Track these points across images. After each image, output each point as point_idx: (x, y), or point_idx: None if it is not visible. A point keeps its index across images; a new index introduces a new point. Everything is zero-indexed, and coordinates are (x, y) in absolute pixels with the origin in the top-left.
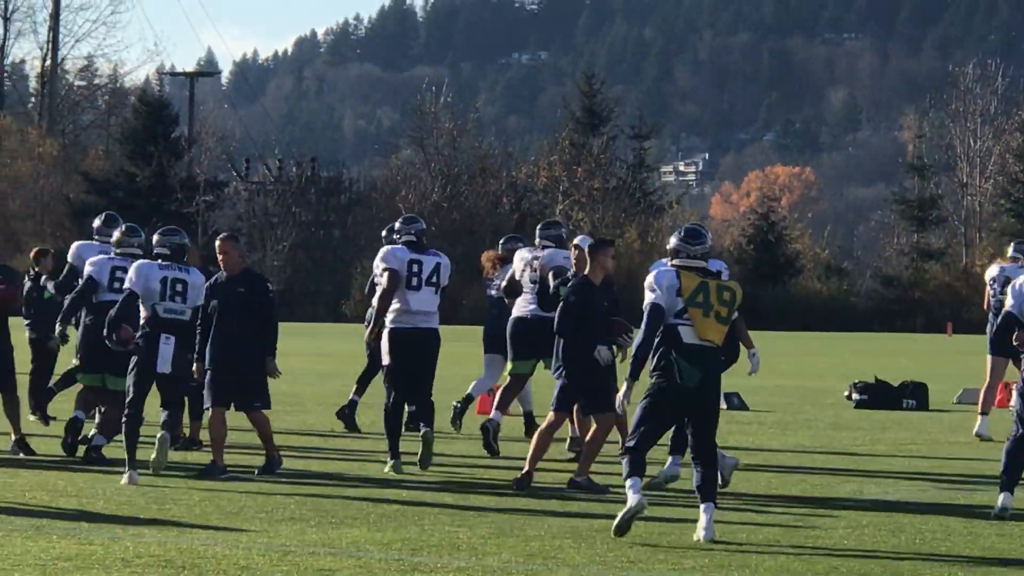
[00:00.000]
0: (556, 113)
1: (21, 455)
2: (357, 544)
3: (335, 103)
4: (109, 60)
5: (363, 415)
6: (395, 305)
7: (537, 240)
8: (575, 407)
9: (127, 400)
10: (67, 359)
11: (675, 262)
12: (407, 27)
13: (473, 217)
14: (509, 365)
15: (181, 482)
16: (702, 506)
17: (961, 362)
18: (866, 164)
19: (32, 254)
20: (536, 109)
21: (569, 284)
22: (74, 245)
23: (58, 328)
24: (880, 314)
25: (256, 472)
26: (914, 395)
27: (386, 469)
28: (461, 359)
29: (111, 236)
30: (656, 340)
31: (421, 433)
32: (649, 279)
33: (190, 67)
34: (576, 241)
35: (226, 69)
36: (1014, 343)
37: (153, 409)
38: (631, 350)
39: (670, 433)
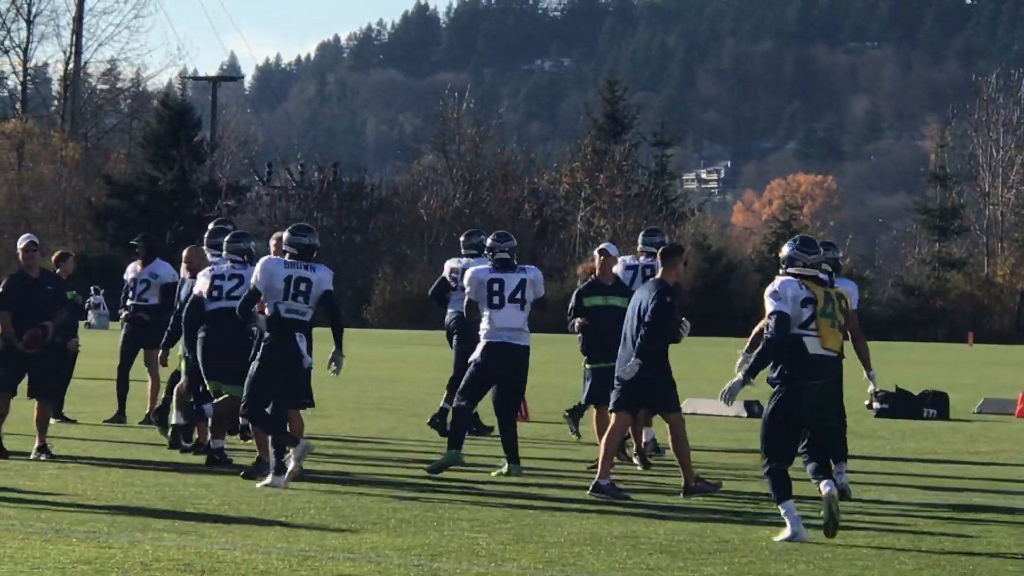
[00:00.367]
0: (578, 120)
1: (43, 458)
2: (376, 549)
3: (358, 108)
4: (132, 64)
5: (381, 420)
6: (483, 321)
7: (640, 247)
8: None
9: (247, 399)
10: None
11: (791, 270)
12: (430, 33)
13: (495, 223)
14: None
15: (201, 486)
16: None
17: (982, 372)
18: (888, 173)
19: (53, 257)
20: (558, 116)
21: (656, 290)
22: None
23: (162, 352)
24: (901, 323)
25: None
26: (935, 404)
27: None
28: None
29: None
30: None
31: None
32: (772, 287)
33: (213, 71)
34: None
35: (249, 74)
36: None
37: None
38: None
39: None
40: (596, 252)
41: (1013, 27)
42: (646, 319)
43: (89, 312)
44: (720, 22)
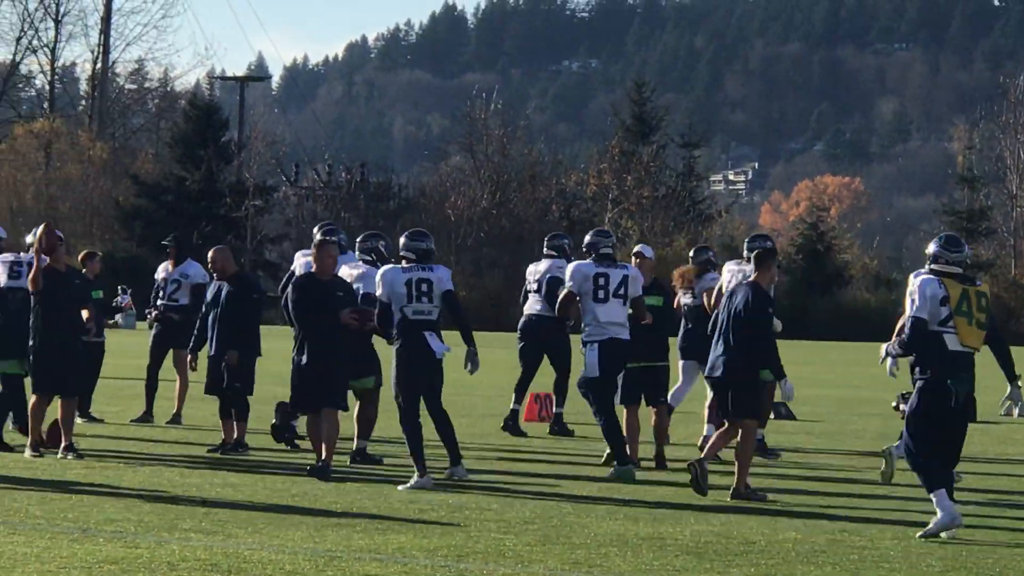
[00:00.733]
0: (606, 121)
1: (70, 457)
2: (403, 550)
3: (385, 109)
4: (160, 64)
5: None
6: (587, 318)
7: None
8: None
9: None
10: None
11: (934, 267)
12: (458, 33)
13: (522, 224)
14: None
15: (228, 486)
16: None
17: None
18: (916, 175)
19: (80, 257)
20: (586, 116)
21: (752, 292)
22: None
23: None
24: None
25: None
26: None
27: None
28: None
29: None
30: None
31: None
32: (912, 286)
33: (240, 71)
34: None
35: (276, 74)
36: None
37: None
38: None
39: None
40: (632, 255)
41: None
42: (744, 318)
43: (116, 312)
44: (748, 23)
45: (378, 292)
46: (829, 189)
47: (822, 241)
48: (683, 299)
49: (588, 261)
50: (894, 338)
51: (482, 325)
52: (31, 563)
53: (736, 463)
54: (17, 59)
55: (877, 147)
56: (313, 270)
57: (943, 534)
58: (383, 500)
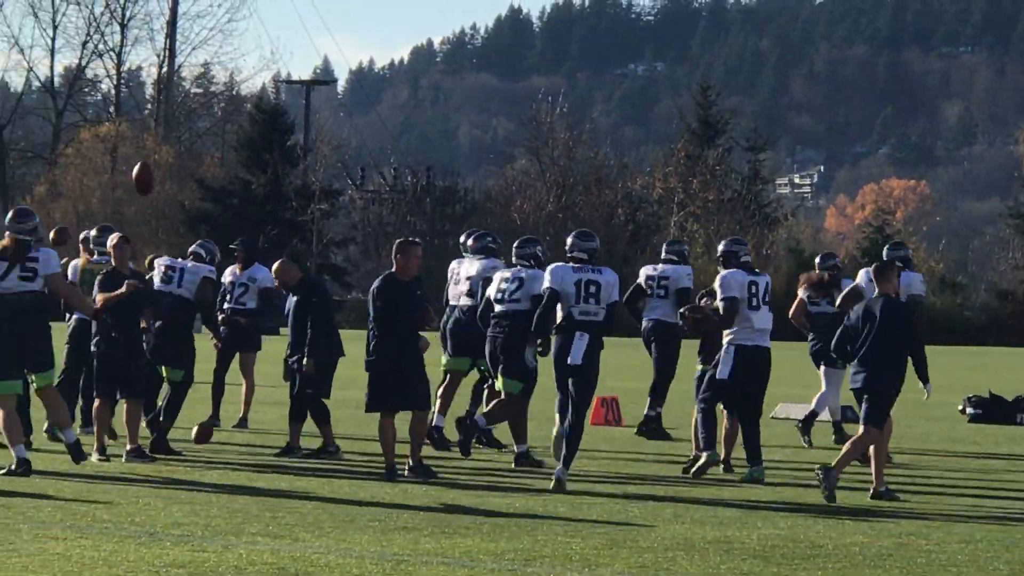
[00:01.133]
0: (671, 124)
1: (136, 460)
2: (470, 554)
3: (451, 112)
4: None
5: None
6: (738, 324)
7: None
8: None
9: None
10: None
11: None
12: (523, 37)
13: (588, 227)
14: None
15: (295, 490)
16: None
17: None
18: (981, 178)
19: (147, 261)
20: (651, 120)
21: (890, 304)
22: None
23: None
24: (994, 328)
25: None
26: None
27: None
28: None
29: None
30: None
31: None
32: None
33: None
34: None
35: (342, 77)
36: None
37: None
38: None
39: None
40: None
41: None
42: (890, 331)
43: None
44: (813, 26)
45: (544, 284)
46: (894, 192)
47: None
48: (812, 307)
49: (735, 269)
50: None
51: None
52: (99, 567)
53: (874, 464)
54: (83, 63)
55: (942, 150)
56: (394, 271)
57: None
58: (450, 503)
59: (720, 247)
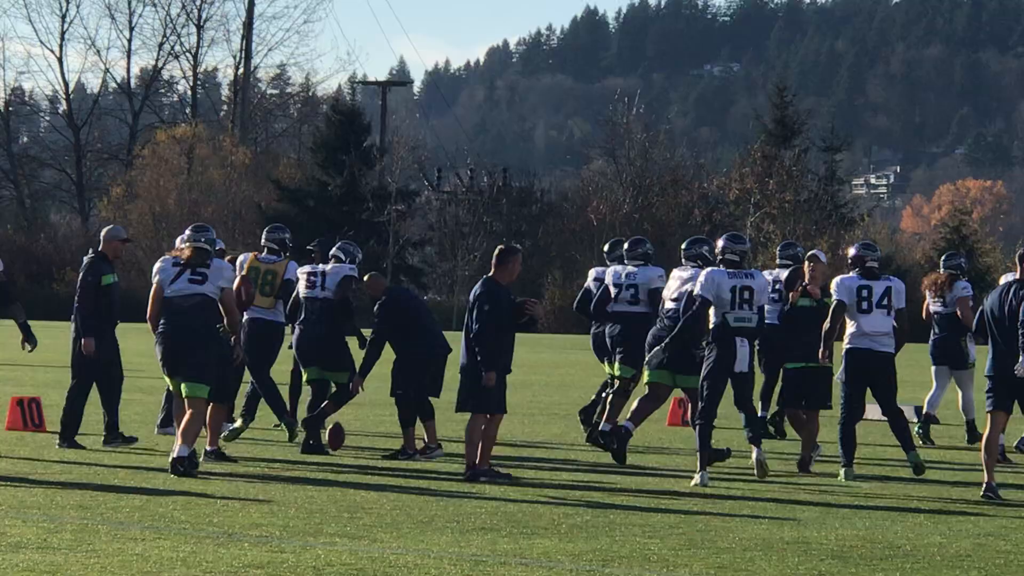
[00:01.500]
0: (748, 125)
1: (214, 461)
2: (548, 554)
3: (526, 113)
4: (301, 69)
5: (552, 425)
6: (850, 328)
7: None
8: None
9: (704, 399)
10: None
11: None
12: (599, 37)
13: (664, 228)
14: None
15: (373, 490)
16: None
17: None
18: None
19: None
20: (727, 120)
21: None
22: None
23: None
24: None
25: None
26: None
27: (840, 477)
28: None
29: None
30: None
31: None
32: None
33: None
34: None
35: (418, 78)
36: None
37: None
38: None
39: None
40: (807, 258)
41: None
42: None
43: None
44: (889, 27)
45: (696, 290)
46: (971, 193)
47: (964, 244)
48: (933, 306)
49: (852, 275)
50: None
51: None
52: (177, 568)
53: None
54: (159, 64)
55: (1019, 150)
56: (493, 275)
57: None
58: (528, 504)
59: (851, 251)
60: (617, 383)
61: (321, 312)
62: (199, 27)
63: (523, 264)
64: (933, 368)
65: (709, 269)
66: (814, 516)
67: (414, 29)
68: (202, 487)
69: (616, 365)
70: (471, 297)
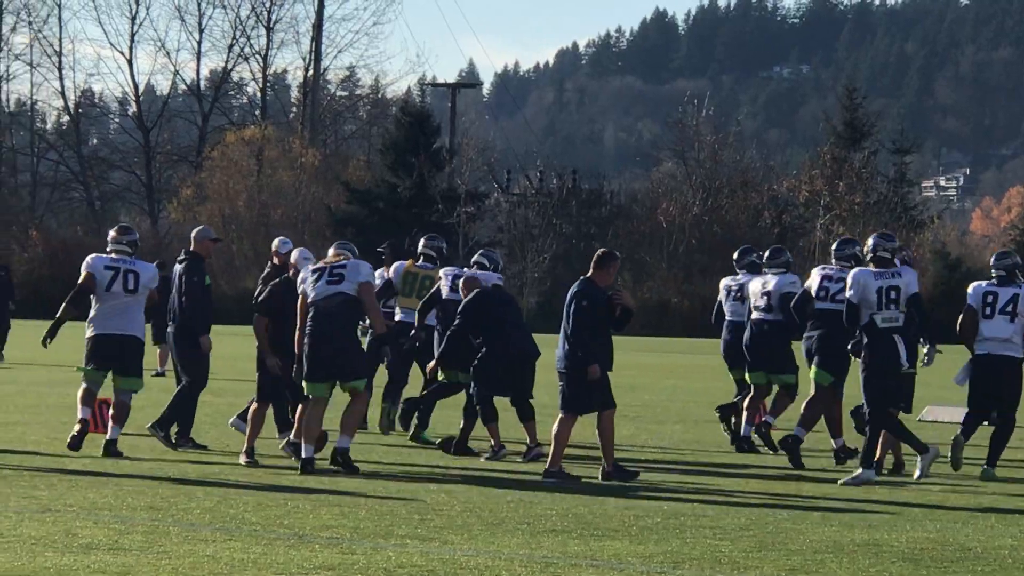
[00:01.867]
0: (817, 127)
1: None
2: (618, 556)
3: (596, 115)
4: (371, 70)
5: (622, 427)
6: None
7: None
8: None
9: (869, 401)
10: None
11: None
12: (669, 39)
13: (734, 230)
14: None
15: (443, 492)
16: None
17: None
18: None
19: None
20: (797, 122)
21: None
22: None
23: None
24: None
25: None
26: None
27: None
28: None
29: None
30: None
31: None
32: None
33: (452, 78)
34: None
35: (488, 80)
36: None
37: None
38: None
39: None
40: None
41: None
42: None
43: None
44: (959, 28)
45: (848, 294)
46: None
47: None
48: None
49: (983, 281)
50: None
51: (692, 332)
52: (248, 569)
53: None
54: (229, 66)
55: None
56: (591, 277)
57: None
58: (598, 506)
59: (991, 259)
60: (753, 389)
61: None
62: (269, 29)
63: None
64: None
65: (856, 270)
66: (884, 518)
67: (483, 31)
68: (272, 485)
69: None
70: (568, 297)
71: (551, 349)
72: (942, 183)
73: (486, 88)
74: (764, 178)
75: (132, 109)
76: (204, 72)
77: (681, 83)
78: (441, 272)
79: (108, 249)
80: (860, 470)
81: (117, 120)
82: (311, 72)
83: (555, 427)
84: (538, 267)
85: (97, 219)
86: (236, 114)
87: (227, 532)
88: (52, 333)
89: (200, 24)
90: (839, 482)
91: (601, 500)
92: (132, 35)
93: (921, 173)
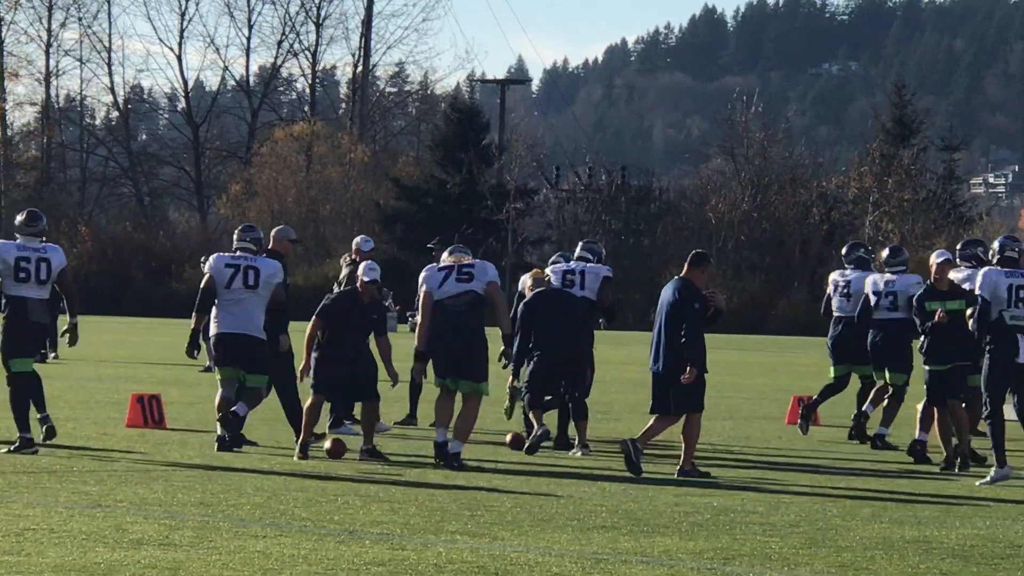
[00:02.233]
0: (866, 124)
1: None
2: (669, 552)
3: (645, 111)
4: (420, 67)
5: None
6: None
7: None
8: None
9: (988, 397)
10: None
11: None
12: (717, 36)
13: (783, 227)
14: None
15: (493, 488)
16: None
17: None
18: None
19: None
20: (846, 119)
21: None
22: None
23: None
24: None
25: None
26: None
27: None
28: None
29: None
30: None
31: None
32: None
33: (501, 74)
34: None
35: (537, 76)
36: None
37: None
38: None
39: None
40: (933, 260)
41: None
42: None
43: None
44: (1008, 25)
45: (976, 289)
46: None
47: None
48: None
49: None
50: None
51: (741, 328)
52: (298, 565)
53: None
54: (278, 62)
55: None
56: (687, 275)
57: None
58: (648, 502)
59: None
60: (891, 390)
61: (578, 310)
62: (318, 25)
63: (642, 262)
64: None
65: (986, 268)
66: (934, 515)
67: (532, 27)
68: (322, 484)
69: (887, 373)
70: (666, 297)
71: (605, 347)
72: (991, 180)
73: (535, 84)
74: (813, 174)
75: (181, 105)
76: (253, 68)
77: (730, 80)
78: (548, 270)
79: (234, 247)
80: (994, 468)
81: (166, 116)
82: (360, 68)
83: (683, 428)
84: None
85: (146, 215)
86: (285, 110)
87: (277, 528)
88: (194, 344)
89: (249, 20)
90: (977, 483)
91: (651, 496)
92: (181, 31)
93: (970, 170)
